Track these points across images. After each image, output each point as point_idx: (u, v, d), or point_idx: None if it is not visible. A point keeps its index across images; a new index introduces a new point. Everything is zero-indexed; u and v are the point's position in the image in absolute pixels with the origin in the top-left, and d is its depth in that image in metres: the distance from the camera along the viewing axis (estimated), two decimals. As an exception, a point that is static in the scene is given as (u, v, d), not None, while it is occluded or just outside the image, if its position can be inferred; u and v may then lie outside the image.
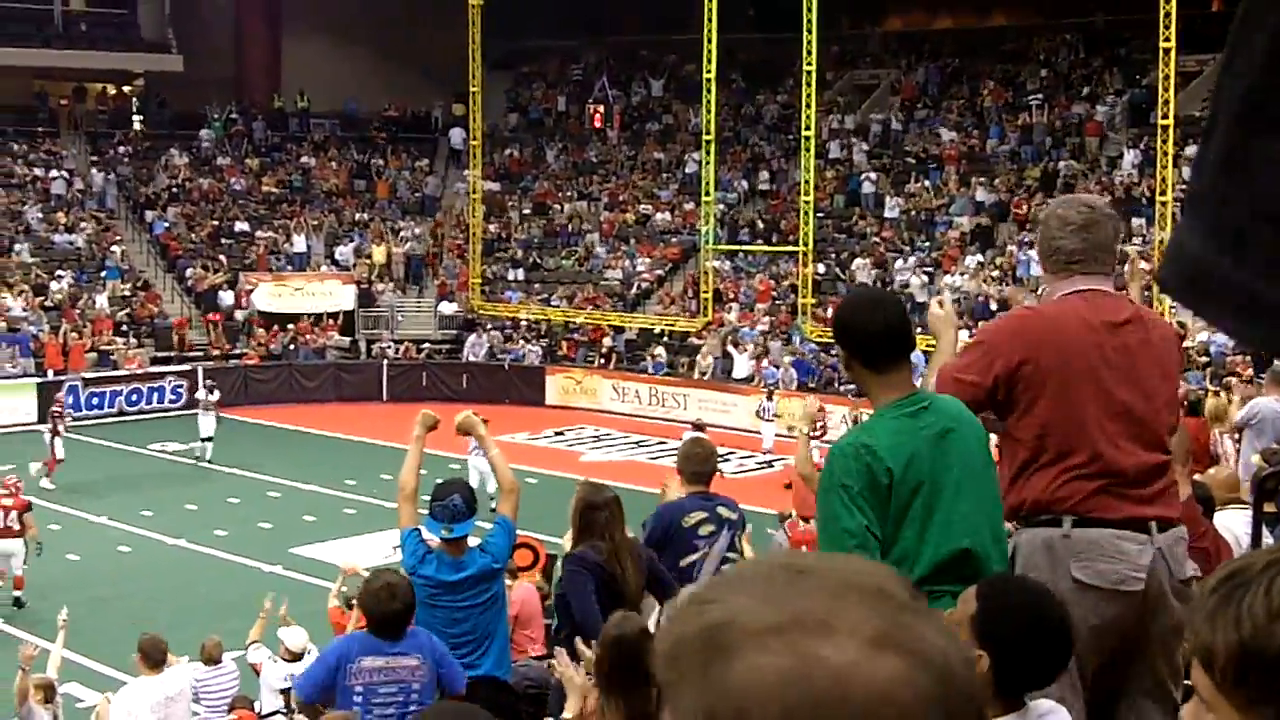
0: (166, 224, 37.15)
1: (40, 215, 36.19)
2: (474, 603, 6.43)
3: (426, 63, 41.89)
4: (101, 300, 33.41)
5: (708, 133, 32.80)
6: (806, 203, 31.74)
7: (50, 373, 30.17)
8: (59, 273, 33.78)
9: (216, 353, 33.31)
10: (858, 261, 33.04)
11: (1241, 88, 1.19)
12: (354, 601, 7.91)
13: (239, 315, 34.77)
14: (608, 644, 4.01)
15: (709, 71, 32.11)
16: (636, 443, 28.48)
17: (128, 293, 34.34)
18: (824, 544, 3.49)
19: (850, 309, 3.72)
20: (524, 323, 35.25)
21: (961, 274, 31.46)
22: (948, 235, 33.31)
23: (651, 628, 3.93)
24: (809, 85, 31.17)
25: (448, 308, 36.63)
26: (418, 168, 42.16)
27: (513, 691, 6.65)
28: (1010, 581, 3.37)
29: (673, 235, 37.36)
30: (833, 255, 33.90)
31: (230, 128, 41.50)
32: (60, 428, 23.94)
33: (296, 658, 10.69)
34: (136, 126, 41.37)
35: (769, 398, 27.47)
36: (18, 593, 16.85)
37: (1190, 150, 27.61)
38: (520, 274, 37.39)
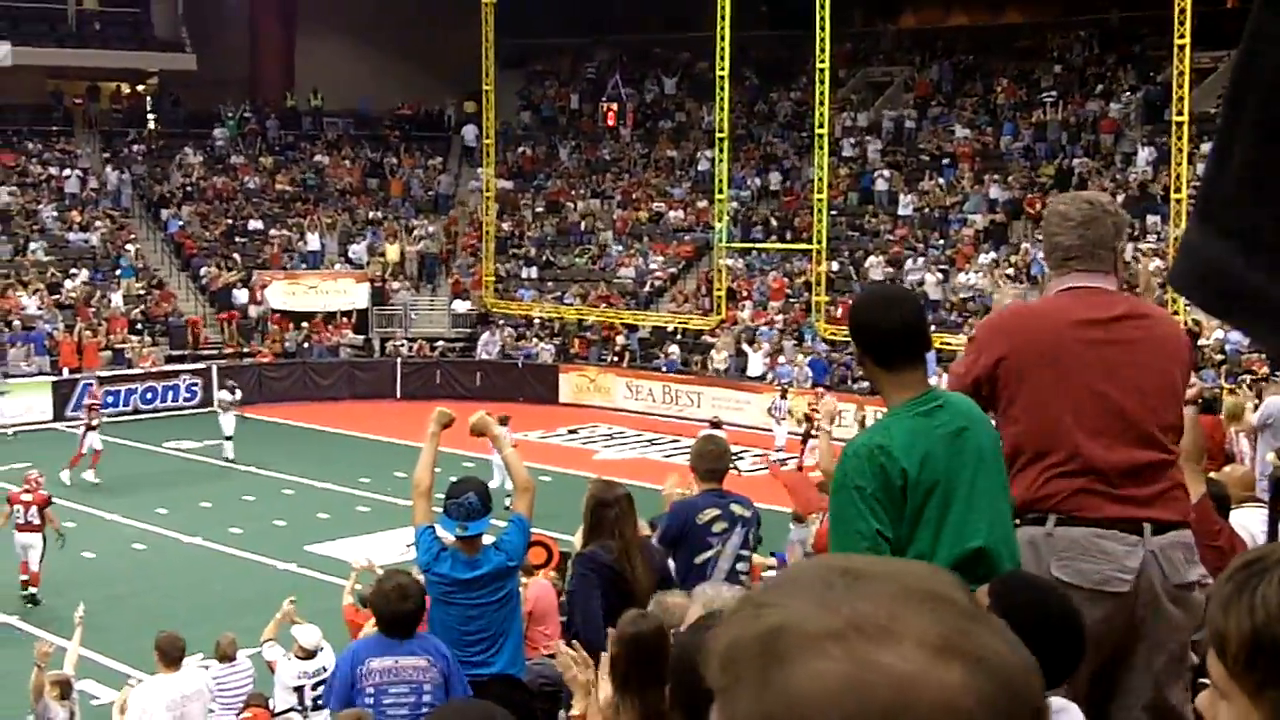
0: (181, 222, 37.26)
1: (55, 214, 36.29)
2: (488, 600, 6.42)
3: (439, 61, 41.92)
4: (116, 299, 33.53)
5: (721, 130, 32.81)
6: (820, 200, 31.71)
7: (65, 371, 30.27)
8: (73, 271, 33.87)
9: (231, 351, 33.42)
10: (871, 259, 32.99)
11: (1260, 96, 1.20)
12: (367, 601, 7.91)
13: (253, 313, 34.86)
14: (624, 642, 3.99)
15: (722, 69, 32.10)
16: (650, 441, 28.49)
17: (142, 291, 34.46)
18: (835, 544, 3.46)
19: (865, 307, 3.64)
20: (537, 321, 35.27)
21: (975, 272, 31.39)
22: (961, 233, 33.24)
23: (689, 620, 3.89)
24: (822, 82, 31.15)
25: (461, 306, 36.66)
26: (431, 166, 42.18)
27: (527, 689, 6.65)
28: (1023, 579, 3.36)
29: (686, 233, 37.33)
30: (846, 253, 33.86)
31: (244, 126, 41.58)
32: (94, 421, 23.99)
33: (310, 655, 10.70)
34: (150, 125, 41.48)
35: (783, 396, 27.46)
36: (33, 590, 16.93)
37: (1205, 147, 27.48)
38: (533, 272, 37.41)
